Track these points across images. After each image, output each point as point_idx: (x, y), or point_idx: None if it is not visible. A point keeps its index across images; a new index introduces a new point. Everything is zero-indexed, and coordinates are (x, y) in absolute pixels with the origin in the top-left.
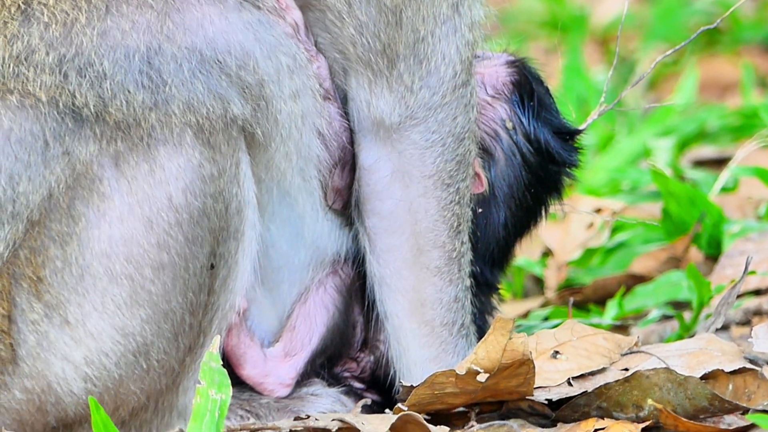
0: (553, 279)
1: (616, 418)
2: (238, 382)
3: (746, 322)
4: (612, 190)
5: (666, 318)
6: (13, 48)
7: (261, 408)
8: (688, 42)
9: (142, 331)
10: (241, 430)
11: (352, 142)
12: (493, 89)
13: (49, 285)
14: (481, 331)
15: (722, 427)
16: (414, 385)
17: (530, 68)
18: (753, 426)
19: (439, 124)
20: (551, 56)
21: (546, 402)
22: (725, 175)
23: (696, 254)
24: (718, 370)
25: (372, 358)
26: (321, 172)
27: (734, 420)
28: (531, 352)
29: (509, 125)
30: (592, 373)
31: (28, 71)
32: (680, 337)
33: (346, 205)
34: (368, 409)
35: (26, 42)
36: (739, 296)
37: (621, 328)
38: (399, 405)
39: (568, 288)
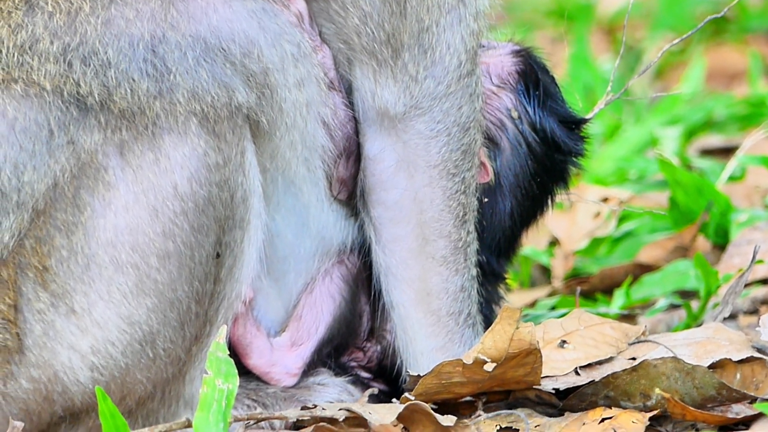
0: (560, 268)
1: (624, 408)
2: (245, 372)
3: (754, 311)
4: (619, 179)
5: (673, 307)
6: (18, 37)
7: (268, 398)
8: (695, 31)
9: (148, 320)
10: (248, 419)
11: (356, 132)
12: (499, 79)
13: (55, 274)
14: (488, 321)
15: (730, 416)
16: (421, 374)
17: (536, 57)
18: (761, 415)
19: (444, 114)
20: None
21: (553, 391)
22: (732, 164)
23: (703, 243)
24: (725, 359)
25: (379, 347)
26: (326, 162)
27: (742, 409)
28: (538, 342)
29: (515, 115)
30: (600, 363)
31: (33, 60)
32: (688, 327)
33: (352, 196)
34: (375, 399)
35: (30, 31)
36: (746, 285)
37: (628, 317)
38: (406, 394)
39: (575, 277)
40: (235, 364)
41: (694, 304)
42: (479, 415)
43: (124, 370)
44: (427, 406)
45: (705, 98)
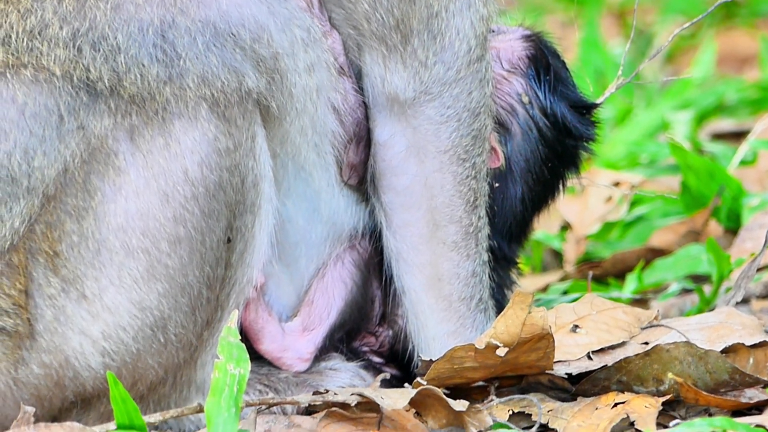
0: (572, 253)
1: (637, 392)
2: (257, 357)
3: (766, 296)
4: (630, 163)
5: (686, 292)
6: (27, 22)
7: (280, 382)
8: (706, 15)
9: (160, 305)
10: (259, 404)
11: (367, 118)
12: (509, 63)
13: (66, 259)
14: (500, 306)
15: (743, 400)
16: (433, 359)
17: (546, 42)
18: None
19: (454, 99)
20: (568, 30)
21: (566, 376)
22: (744, 149)
23: (715, 228)
24: (738, 343)
25: (390, 332)
26: (336, 147)
27: (755, 393)
28: (550, 326)
29: (525, 99)
30: (612, 347)
31: (42, 45)
32: (700, 311)
33: (362, 181)
34: (387, 384)
35: (40, 16)
36: (759, 269)
37: (640, 301)
38: (418, 379)
39: (587, 262)
40: (247, 349)
41: (707, 289)
42: (492, 400)
43: (135, 355)
44: (440, 391)
45: (716, 82)
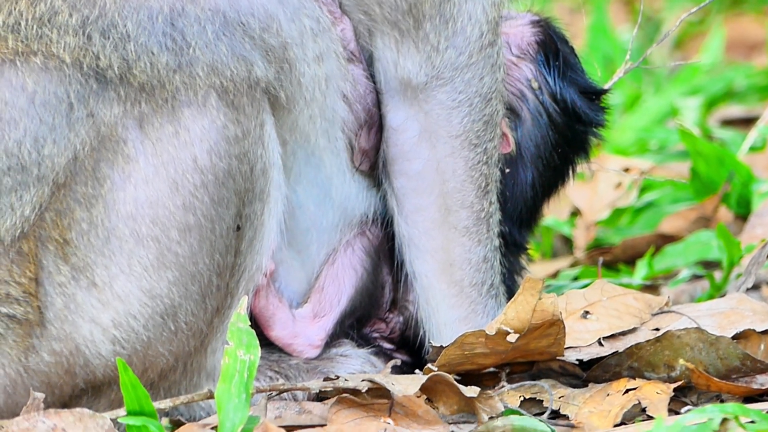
0: (581, 239)
1: (648, 378)
2: (267, 344)
3: None
4: (640, 149)
5: (696, 278)
6: (36, 9)
7: (290, 369)
8: (713, 0)
9: (170, 292)
10: (270, 390)
11: (377, 104)
12: (519, 49)
13: (76, 247)
14: (510, 292)
15: (754, 386)
16: (444, 345)
17: (555, 28)
18: None
19: (465, 84)
20: (576, 16)
21: (577, 362)
22: (753, 135)
23: (725, 214)
24: (749, 329)
25: (401, 318)
26: (346, 133)
27: (766, 380)
28: (561, 312)
29: (535, 85)
30: (623, 333)
31: (52, 33)
32: (711, 297)
33: (373, 167)
34: (398, 370)
35: (49, 3)
36: None
37: (651, 288)
38: (429, 365)
39: (597, 248)
40: (257, 336)
41: (717, 275)
42: (503, 386)
43: (145, 343)
44: (451, 377)
45: (725, 69)
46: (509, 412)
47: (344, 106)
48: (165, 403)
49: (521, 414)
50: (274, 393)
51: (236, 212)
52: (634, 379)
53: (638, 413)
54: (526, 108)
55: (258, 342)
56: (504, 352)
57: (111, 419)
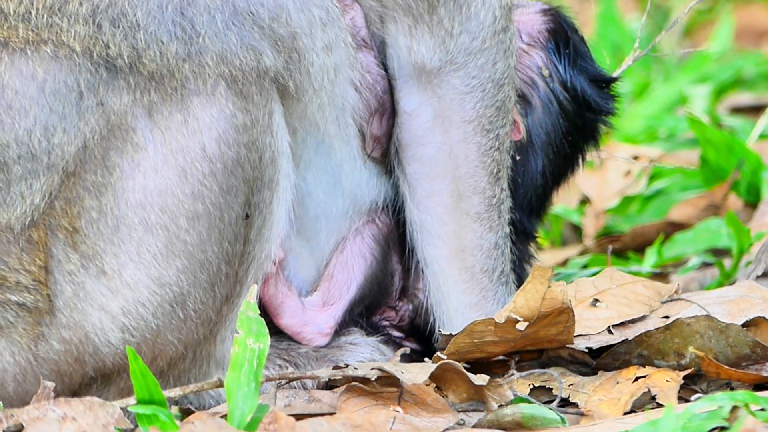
0: (591, 227)
1: (658, 366)
2: (276, 332)
3: None
4: (649, 137)
5: (706, 265)
6: None
7: (299, 357)
8: None
9: (179, 281)
10: (279, 379)
11: (389, 91)
12: (529, 37)
13: (85, 236)
14: (519, 280)
15: (765, 374)
16: (453, 333)
17: (565, 16)
18: None
19: (479, 70)
20: (585, 4)
21: (586, 350)
22: (762, 122)
23: (735, 201)
24: (759, 317)
25: (411, 306)
26: (357, 121)
27: None
28: (570, 301)
29: (545, 73)
30: (633, 321)
31: (62, 21)
32: (720, 285)
33: (385, 153)
34: (407, 358)
35: None
36: None
37: (660, 275)
38: (438, 354)
39: (606, 236)
40: (267, 324)
41: (727, 263)
42: (512, 375)
43: (155, 331)
44: (460, 366)
45: (734, 56)
46: (518, 400)
47: (354, 94)
48: (175, 392)
49: (531, 402)
50: (284, 381)
51: (245, 200)
52: (644, 367)
53: (648, 401)
54: (536, 95)
55: (267, 330)
56: (513, 340)
57: (121, 408)
